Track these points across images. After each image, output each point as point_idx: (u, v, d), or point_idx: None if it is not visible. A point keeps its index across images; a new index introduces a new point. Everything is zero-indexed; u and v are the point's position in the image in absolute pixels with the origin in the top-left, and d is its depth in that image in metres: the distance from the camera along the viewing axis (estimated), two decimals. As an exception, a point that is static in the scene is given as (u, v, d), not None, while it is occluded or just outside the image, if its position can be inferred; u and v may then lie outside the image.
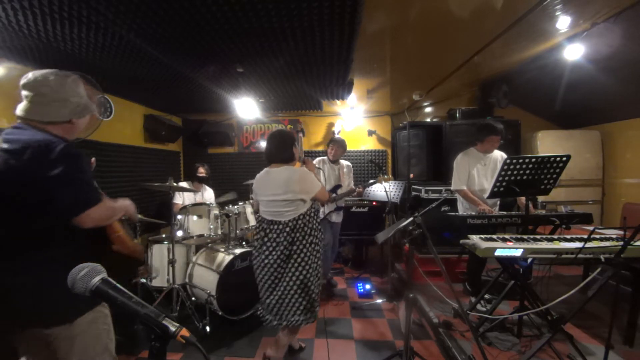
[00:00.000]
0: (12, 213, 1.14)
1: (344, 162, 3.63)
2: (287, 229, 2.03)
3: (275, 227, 2.07)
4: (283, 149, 2.12)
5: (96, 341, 1.25)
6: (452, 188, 3.15)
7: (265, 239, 2.10)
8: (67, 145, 1.17)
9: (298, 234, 2.03)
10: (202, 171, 3.85)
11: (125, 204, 1.41)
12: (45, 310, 1.16)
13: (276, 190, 2.04)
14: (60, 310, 1.17)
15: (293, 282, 2.02)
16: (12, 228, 1.15)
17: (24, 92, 1.23)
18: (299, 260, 2.02)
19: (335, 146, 3.49)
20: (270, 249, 2.06)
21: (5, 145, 1.14)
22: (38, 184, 1.13)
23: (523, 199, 2.91)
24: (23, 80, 1.23)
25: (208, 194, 3.99)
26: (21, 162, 1.11)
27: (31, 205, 1.14)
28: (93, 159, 1.90)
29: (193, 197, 3.84)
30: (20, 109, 1.23)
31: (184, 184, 3.91)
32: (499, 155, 3.06)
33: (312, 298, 2.05)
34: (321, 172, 3.33)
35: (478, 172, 3.02)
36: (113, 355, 1.33)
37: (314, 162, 3.58)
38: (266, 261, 2.07)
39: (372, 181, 3.61)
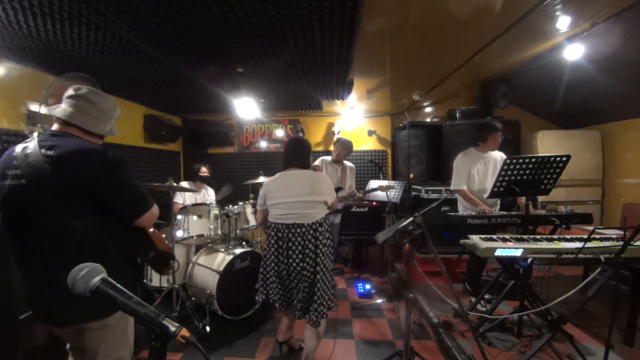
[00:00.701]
0: (61, 218, 1.18)
1: (347, 164, 3.61)
2: (311, 231, 2.01)
3: (299, 230, 2.01)
4: (303, 154, 2.18)
5: (122, 334, 1.33)
6: (451, 188, 3.15)
7: (290, 244, 2.03)
8: (112, 154, 1.24)
9: (320, 237, 2.03)
10: (204, 171, 3.86)
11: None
12: (89, 309, 1.21)
13: (302, 191, 2.01)
14: (101, 307, 1.24)
15: (322, 282, 2.04)
16: (61, 233, 1.19)
17: (74, 101, 1.29)
18: (324, 260, 2.04)
19: (340, 147, 3.49)
20: (297, 252, 2.01)
21: (49, 152, 1.18)
22: (96, 189, 1.20)
23: (523, 199, 2.92)
24: (77, 91, 1.30)
25: (210, 194, 4.00)
26: (73, 168, 1.17)
27: (84, 209, 1.19)
28: None
29: (193, 197, 3.84)
30: (63, 113, 1.28)
31: (184, 184, 3.91)
32: (498, 155, 3.07)
33: (333, 290, 2.15)
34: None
35: (478, 171, 3.02)
36: (131, 349, 1.40)
37: (316, 162, 3.59)
38: (298, 268, 2.03)
39: (373, 187, 3.61)
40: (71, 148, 1.19)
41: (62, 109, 1.29)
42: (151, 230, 1.40)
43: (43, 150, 1.18)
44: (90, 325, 1.23)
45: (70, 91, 1.31)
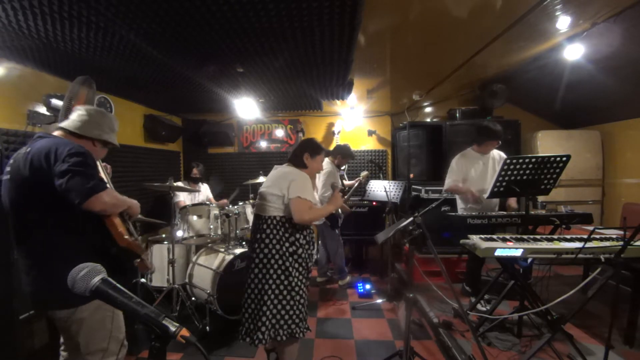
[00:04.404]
0: (34, 207, 1.34)
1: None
2: (264, 226, 1.90)
3: (259, 222, 1.94)
4: (299, 151, 2.06)
5: (100, 326, 1.41)
6: (444, 188, 3.16)
7: (256, 234, 1.96)
8: (76, 146, 1.37)
9: (276, 237, 1.88)
10: (195, 172, 3.92)
11: (130, 201, 1.55)
12: (53, 296, 1.33)
13: (268, 182, 2.00)
14: (65, 297, 1.30)
15: (273, 295, 1.87)
16: (34, 222, 1.34)
17: (76, 112, 1.54)
18: (277, 268, 1.87)
19: (339, 157, 3.63)
20: (259, 249, 1.91)
21: (28, 149, 1.37)
22: (52, 180, 1.29)
23: (511, 200, 2.95)
24: (80, 106, 1.56)
25: (204, 190, 4.04)
26: (39, 162, 1.30)
27: (49, 199, 1.31)
28: (109, 167, 2.01)
29: (189, 197, 3.88)
30: (63, 122, 1.52)
31: (179, 184, 3.95)
32: (497, 154, 3.09)
33: (281, 316, 1.86)
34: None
35: (476, 172, 3.03)
36: (120, 341, 1.47)
37: (324, 163, 3.60)
38: (254, 263, 1.93)
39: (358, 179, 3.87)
40: (41, 145, 1.34)
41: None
42: (115, 225, 1.40)
43: (25, 149, 1.37)
44: (60, 315, 1.35)
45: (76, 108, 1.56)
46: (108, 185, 1.77)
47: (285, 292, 1.87)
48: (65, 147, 1.32)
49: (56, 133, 1.48)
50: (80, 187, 1.28)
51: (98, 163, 1.82)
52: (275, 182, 1.94)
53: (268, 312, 1.87)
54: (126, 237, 1.43)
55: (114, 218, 1.41)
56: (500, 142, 2.98)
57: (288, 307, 1.88)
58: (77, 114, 1.52)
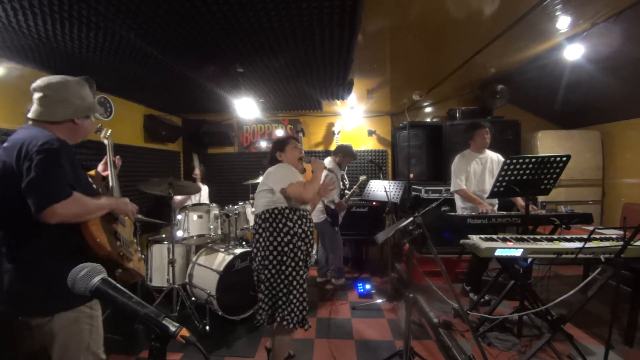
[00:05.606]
0: (6, 204, 1.19)
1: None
2: (260, 221, 2.01)
3: (256, 220, 2.08)
4: (272, 153, 2.23)
5: (78, 339, 1.27)
6: (451, 189, 3.16)
7: (254, 233, 2.08)
8: (49, 140, 1.19)
9: (269, 230, 1.95)
10: (196, 173, 3.91)
11: (109, 204, 1.39)
12: (24, 299, 1.22)
13: (259, 185, 2.13)
14: (38, 301, 1.22)
15: (269, 284, 1.95)
16: (6, 219, 1.21)
17: (34, 96, 1.31)
18: (272, 259, 1.93)
19: (340, 156, 3.69)
20: (257, 244, 2.02)
21: (5, 144, 1.22)
22: (17, 178, 1.15)
23: (520, 200, 2.93)
24: (32, 85, 1.32)
25: (203, 191, 4.03)
26: (11, 158, 1.17)
27: (16, 198, 1.16)
28: (118, 158, 1.79)
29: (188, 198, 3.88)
30: (30, 112, 1.31)
31: None
32: (494, 155, 3.12)
33: (277, 304, 1.96)
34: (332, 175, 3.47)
35: (475, 171, 3.05)
36: (99, 356, 1.34)
37: (326, 161, 3.62)
38: (256, 258, 2.05)
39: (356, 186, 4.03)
40: (17, 138, 1.20)
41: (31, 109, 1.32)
42: (92, 233, 1.27)
43: (5, 143, 1.23)
44: (34, 322, 1.23)
45: (31, 90, 1.32)
46: (107, 185, 1.66)
47: (279, 281, 1.94)
48: (37, 142, 1.16)
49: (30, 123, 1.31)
50: (35, 195, 1.12)
51: (108, 156, 1.71)
52: (262, 183, 2.09)
53: (266, 299, 1.98)
54: (105, 245, 1.29)
55: (90, 225, 1.27)
56: (488, 130, 3.02)
57: (281, 295, 1.96)
58: (37, 98, 1.30)
